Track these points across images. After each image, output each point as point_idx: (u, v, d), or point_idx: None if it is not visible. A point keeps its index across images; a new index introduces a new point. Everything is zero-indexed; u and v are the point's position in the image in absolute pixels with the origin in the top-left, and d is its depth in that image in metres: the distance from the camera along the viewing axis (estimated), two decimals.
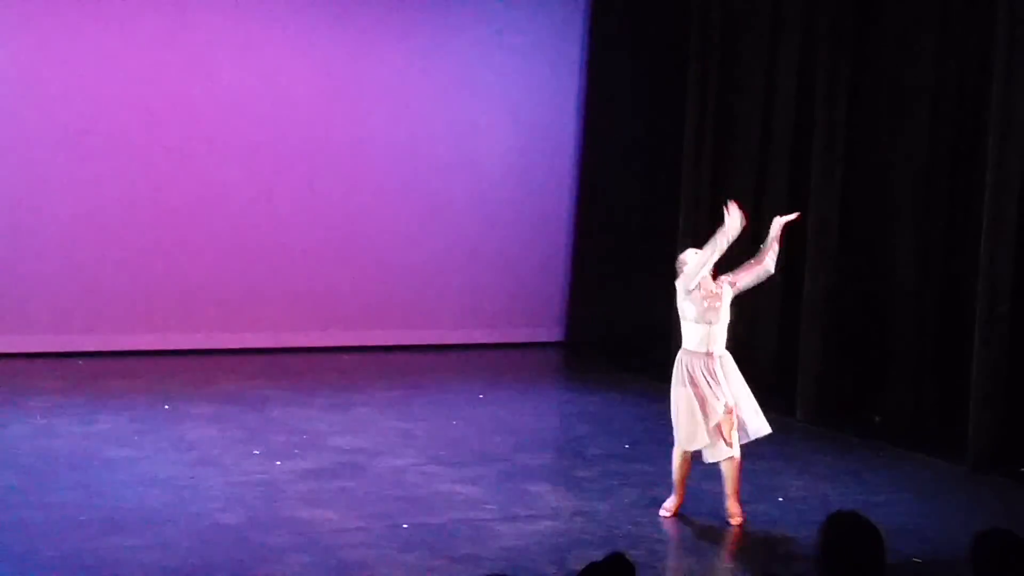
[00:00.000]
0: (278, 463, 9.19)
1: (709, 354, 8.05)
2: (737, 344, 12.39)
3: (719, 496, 8.30)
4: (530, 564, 7.34)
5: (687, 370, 8.05)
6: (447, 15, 13.91)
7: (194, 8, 12.86)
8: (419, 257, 13.92)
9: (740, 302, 12.52)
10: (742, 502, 8.20)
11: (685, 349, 8.15)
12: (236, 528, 7.73)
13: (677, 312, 8.21)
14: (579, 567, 4.43)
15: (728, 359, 8.17)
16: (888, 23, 11.38)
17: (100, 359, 12.41)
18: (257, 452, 9.46)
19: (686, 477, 8.25)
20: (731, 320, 8.19)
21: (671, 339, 12.94)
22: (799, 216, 8.76)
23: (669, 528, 8.17)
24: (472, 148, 14.08)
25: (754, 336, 12.35)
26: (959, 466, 9.94)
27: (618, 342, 13.93)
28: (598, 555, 4.58)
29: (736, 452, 8.08)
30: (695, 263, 8.02)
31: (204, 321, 13.05)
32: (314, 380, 12.11)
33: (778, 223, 8.36)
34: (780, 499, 8.89)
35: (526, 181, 14.34)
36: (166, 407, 10.68)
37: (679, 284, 8.12)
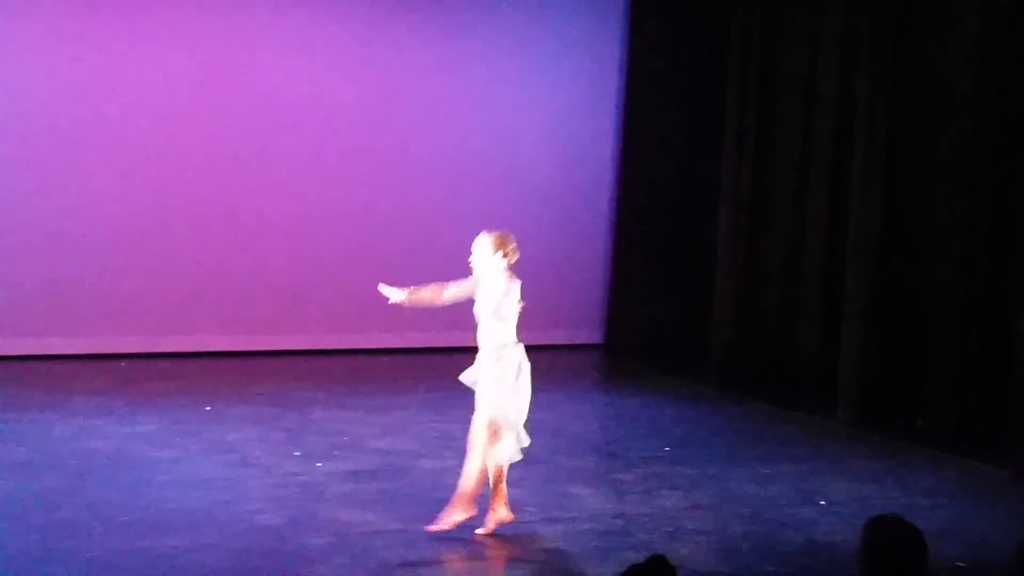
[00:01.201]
0: (318, 465, 9.21)
1: None
2: (778, 345, 12.50)
3: (741, 500, 8.24)
4: (571, 566, 7.33)
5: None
6: (484, 19, 13.91)
7: (232, 14, 12.92)
8: (458, 258, 13.88)
9: (780, 303, 12.53)
10: None
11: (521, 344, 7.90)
12: (277, 529, 7.75)
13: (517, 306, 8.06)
14: (620, 570, 4.42)
15: None
16: (930, 22, 11.30)
17: (142, 361, 12.49)
18: (298, 454, 9.49)
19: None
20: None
21: (710, 341, 13.05)
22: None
23: (709, 529, 8.13)
24: (510, 152, 14.08)
25: (795, 337, 12.31)
26: (1003, 470, 9.86)
27: (657, 344, 13.89)
28: (639, 558, 4.57)
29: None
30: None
31: (246, 323, 13.11)
32: (354, 382, 12.14)
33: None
34: (821, 502, 8.84)
35: (565, 184, 14.32)
36: (207, 409, 10.74)
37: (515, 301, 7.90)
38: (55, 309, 12.45)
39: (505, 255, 7.77)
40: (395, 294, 7.85)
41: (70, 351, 12.37)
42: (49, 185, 12.39)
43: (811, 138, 12.34)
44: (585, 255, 14.49)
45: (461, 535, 7.76)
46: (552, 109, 14.20)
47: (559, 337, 14.39)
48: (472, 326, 13.80)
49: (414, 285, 13.15)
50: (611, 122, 14.43)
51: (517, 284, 7.79)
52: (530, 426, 10.66)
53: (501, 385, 7.68)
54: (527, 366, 7.84)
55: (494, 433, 7.69)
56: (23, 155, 12.33)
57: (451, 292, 7.91)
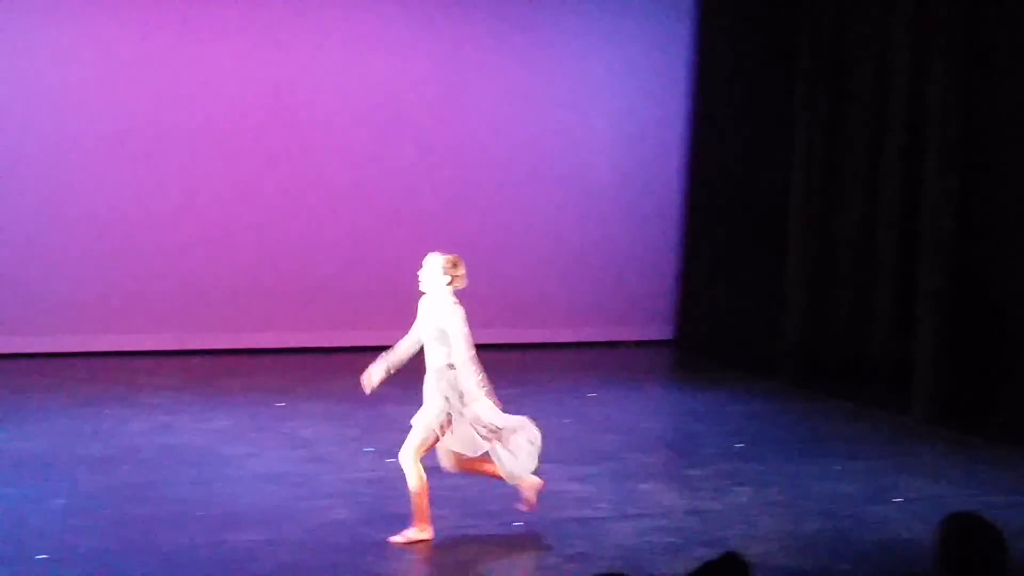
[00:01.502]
0: (390, 460, 9.24)
1: None
2: (851, 340, 12.39)
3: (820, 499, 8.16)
4: (643, 562, 7.30)
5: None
6: (556, 20, 13.91)
7: (303, 12, 13.00)
8: (529, 257, 13.95)
9: (853, 297, 12.42)
10: None
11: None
12: (350, 524, 7.79)
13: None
14: (692, 566, 4.39)
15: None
16: (1002, 27, 11.14)
17: (218, 357, 12.61)
18: (370, 449, 9.53)
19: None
20: None
21: (782, 336, 12.96)
22: None
23: (782, 526, 8.08)
24: (581, 149, 14.08)
25: (868, 332, 12.20)
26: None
27: (728, 340, 13.82)
28: (712, 554, 4.54)
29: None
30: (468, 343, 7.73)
31: (319, 320, 13.20)
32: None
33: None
34: (896, 499, 8.75)
35: (635, 181, 14.30)
36: (281, 404, 10.81)
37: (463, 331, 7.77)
38: (132, 307, 12.59)
39: (452, 280, 7.68)
40: (375, 374, 7.76)
41: (148, 347, 12.51)
42: (123, 183, 12.53)
43: (883, 132, 12.23)
44: (654, 251, 14.45)
45: (535, 532, 7.76)
46: (619, 104, 14.17)
47: (629, 334, 14.38)
48: (546, 322, 13.93)
49: (486, 281, 13.26)
50: (679, 116, 14.38)
51: (460, 311, 7.65)
52: (592, 422, 10.70)
53: (440, 405, 7.56)
54: (475, 391, 7.65)
55: (420, 447, 7.54)
56: (98, 157, 12.48)
57: (411, 341, 7.86)
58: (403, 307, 13.50)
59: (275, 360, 12.67)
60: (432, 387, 7.68)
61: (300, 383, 11.72)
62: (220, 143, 12.84)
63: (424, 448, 7.56)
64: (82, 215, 12.45)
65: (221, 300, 12.88)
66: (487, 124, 13.72)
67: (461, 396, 7.60)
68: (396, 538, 7.48)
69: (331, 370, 12.32)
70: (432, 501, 7.58)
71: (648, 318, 14.50)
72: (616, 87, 14.15)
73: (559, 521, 8.00)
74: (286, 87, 12.99)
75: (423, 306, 7.77)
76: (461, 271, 7.71)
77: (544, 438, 10.02)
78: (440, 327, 7.59)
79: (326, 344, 13.18)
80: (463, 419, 7.55)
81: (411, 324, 13.31)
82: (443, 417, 7.55)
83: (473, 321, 13.50)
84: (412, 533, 7.49)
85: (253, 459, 9.15)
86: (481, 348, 13.36)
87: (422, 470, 7.54)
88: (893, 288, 11.93)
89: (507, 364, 13.12)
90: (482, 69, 13.66)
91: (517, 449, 7.66)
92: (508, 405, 11.08)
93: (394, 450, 9.45)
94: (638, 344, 14.18)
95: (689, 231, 14.44)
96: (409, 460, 7.53)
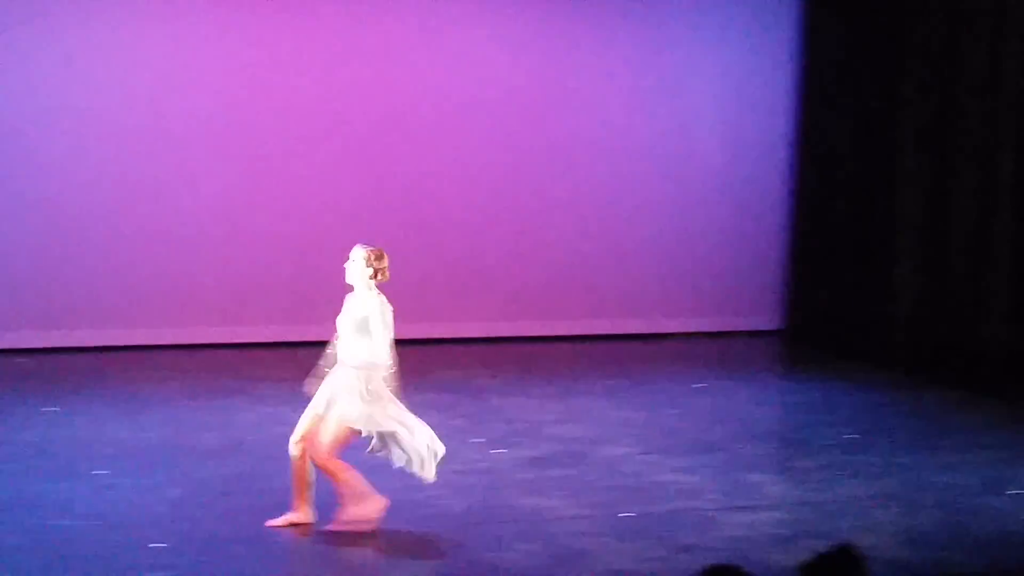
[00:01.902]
0: (498, 452, 9.27)
1: None
2: (965, 328, 12.18)
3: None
4: (754, 554, 7.25)
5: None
6: (657, 12, 13.84)
7: (402, 10, 13.07)
8: (636, 246, 13.89)
9: (966, 285, 12.20)
10: None
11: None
12: (459, 516, 7.82)
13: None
14: (804, 558, 4.35)
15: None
16: None
17: (320, 348, 12.69)
18: (478, 441, 9.55)
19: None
20: None
21: (894, 325, 12.78)
22: None
23: (897, 518, 7.97)
24: (686, 137, 13.98)
25: (983, 320, 12.00)
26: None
27: (838, 329, 13.65)
28: (823, 546, 4.50)
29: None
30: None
31: (423, 312, 13.24)
32: (533, 369, 12.18)
33: None
34: (1012, 492, 8.59)
35: (742, 170, 14.16)
36: None
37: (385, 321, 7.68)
38: (239, 300, 12.74)
39: (376, 273, 7.61)
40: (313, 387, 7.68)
41: (259, 339, 12.66)
42: (239, 180, 12.68)
43: (996, 118, 12.01)
44: (762, 241, 14.30)
45: (644, 523, 7.74)
46: (726, 92, 14.05)
47: (737, 324, 14.27)
48: (651, 314, 13.88)
49: (593, 271, 13.19)
50: (786, 104, 14.22)
51: (386, 305, 7.61)
52: (701, 413, 10.63)
53: (355, 400, 7.45)
54: (385, 392, 7.62)
55: (335, 444, 7.43)
56: (162, 154, 12.63)
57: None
58: (516, 298, 13.62)
59: None
60: (349, 382, 7.49)
61: (406, 375, 11.74)
62: (345, 139, 12.93)
63: (339, 445, 7.42)
64: (200, 207, 12.59)
65: (331, 291, 12.96)
66: (589, 118, 13.66)
67: (376, 396, 7.49)
68: (334, 527, 7.37)
69: (434, 361, 12.35)
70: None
71: (756, 308, 14.37)
72: (722, 75, 14.02)
73: (668, 512, 7.97)
74: (390, 87, 13.05)
75: (347, 300, 7.64)
76: (385, 264, 7.66)
77: (653, 428, 10.05)
78: (362, 319, 7.48)
79: (429, 336, 13.22)
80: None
81: (515, 314, 13.40)
82: (363, 416, 7.40)
83: (581, 313, 13.64)
84: (359, 511, 7.40)
85: (362, 450, 9.19)
86: (589, 339, 13.49)
87: (338, 461, 7.40)
88: (1008, 275, 11.72)
89: (615, 354, 13.11)
90: (590, 59, 13.61)
91: (412, 451, 7.53)
92: (617, 396, 11.11)
93: (501, 440, 9.52)
94: (718, 335, 14.04)
95: (797, 220, 14.27)
96: (323, 458, 7.38)
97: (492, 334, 13.46)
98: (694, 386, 11.67)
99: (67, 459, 8.63)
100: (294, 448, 7.53)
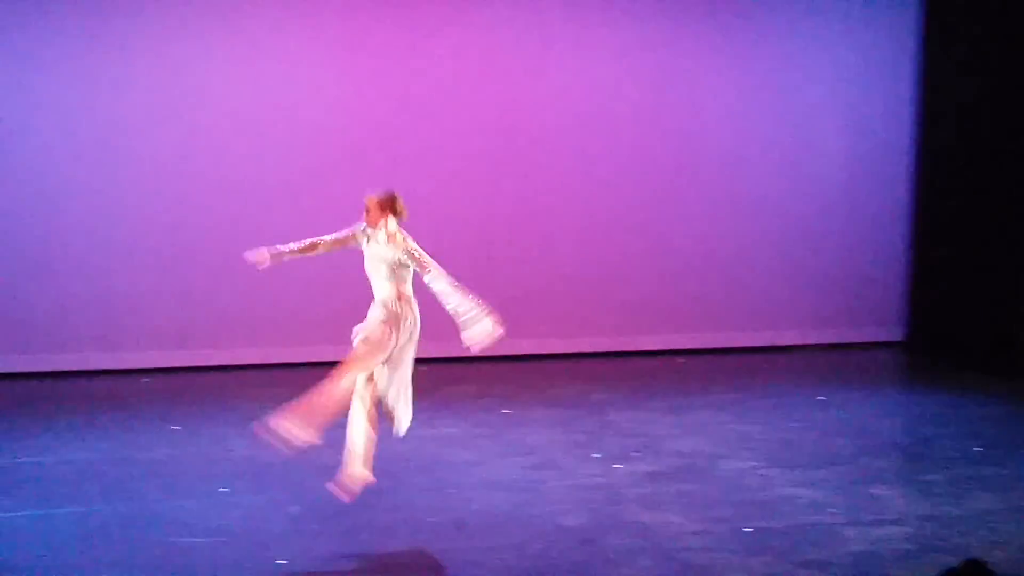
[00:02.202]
0: (617, 466, 9.22)
1: None
2: None
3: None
4: (878, 570, 7.12)
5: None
6: (776, 14, 13.71)
7: (520, 16, 13.10)
8: (754, 258, 13.78)
9: None
10: None
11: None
12: (578, 531, 7.79)
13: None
14: (931, 574, 4.25)
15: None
16: None
17: (443, 365, 12.75)
18: (596, 455, 9.51)
19: None
20: None
21: (1018, 336, 12.49)
22: None
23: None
24: (804, 147, 13.85)
25: None
26: None
27: (961, 340, 13.39)
28: (952, 561, 4.40)
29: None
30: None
31: (542, 327, 13.26)
32: (650, 383, 12.12)
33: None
34: None
35: (862, 180, 14.00)
36: (506, 412, 10.89)
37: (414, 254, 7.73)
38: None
39: (397, 212, 7.71)
40: (260, 256, 7.71)
41: None
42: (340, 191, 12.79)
43: None
44: (883, 251, 14.11)
45: (766, 538, 7.63)
46: (844, 98, 13.89)
47: (858, 336, 14.09)
48: (769, 326, 13.73)
49: (709, 284, 13.12)
50: (907, 110, 14.02)
51: (407, 237, 7.80)
52: (822, 426, 10.48)
53: (386, 322, 7.73)
54: (417, 324, 7.94)
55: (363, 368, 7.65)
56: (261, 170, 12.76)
57: (325, 245, 7.90)
58: (634, 312, 13.56)
59: (499, 367, 12.76)
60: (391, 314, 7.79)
61: (524, 389, 11.79)
62: (462, 152, 13.00)
63: (363, 370, 7.68)
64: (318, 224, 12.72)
65: (438, 309, 13.02)
66: (705, 123, 13.59)
67: (406, 322, 7.82)
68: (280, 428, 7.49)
69: (555, 376, 12.36)
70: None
71: (877, 319, 14.17)
72: (840, 81, 13.86)
73: (791, 527, 7.86)
74: (508, 97, 13.09)
75: (354, 240, 7.84)
76: (400, 204, 7.85)
77: (773, 442, 9.94)
78: (393, 262, 7.70)
79: (549, 351, 13.23)
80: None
81: (633, 329, 13.33)
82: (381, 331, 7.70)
83: (697, 326, 13.55)
84: (294, 427, 7.49)
85: (480, 466, 9.23)
86: (708, 352, 13.39)
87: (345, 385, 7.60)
88: None
89: (733, 368, 12.99)
90: (708, 67, 13.54)
91: (405, 403, 7.83)
92: (736, 410, 11.00)
93: (620, 455, 9.48)
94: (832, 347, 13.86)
95: (920, 229, 14.04)
96: (347, 378, 7.61)
97: (611, 348, 13.43)
98: (816, 399, 11.52)
99: (190, 477, 8.75)
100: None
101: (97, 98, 12.14)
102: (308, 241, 7.92)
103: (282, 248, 7.87)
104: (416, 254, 7.74)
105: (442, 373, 12.47)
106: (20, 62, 11.92)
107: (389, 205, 7.82)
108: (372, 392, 7.79)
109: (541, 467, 9.21)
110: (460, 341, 12.92)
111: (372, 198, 7.82)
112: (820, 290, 14.00)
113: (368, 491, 8.56)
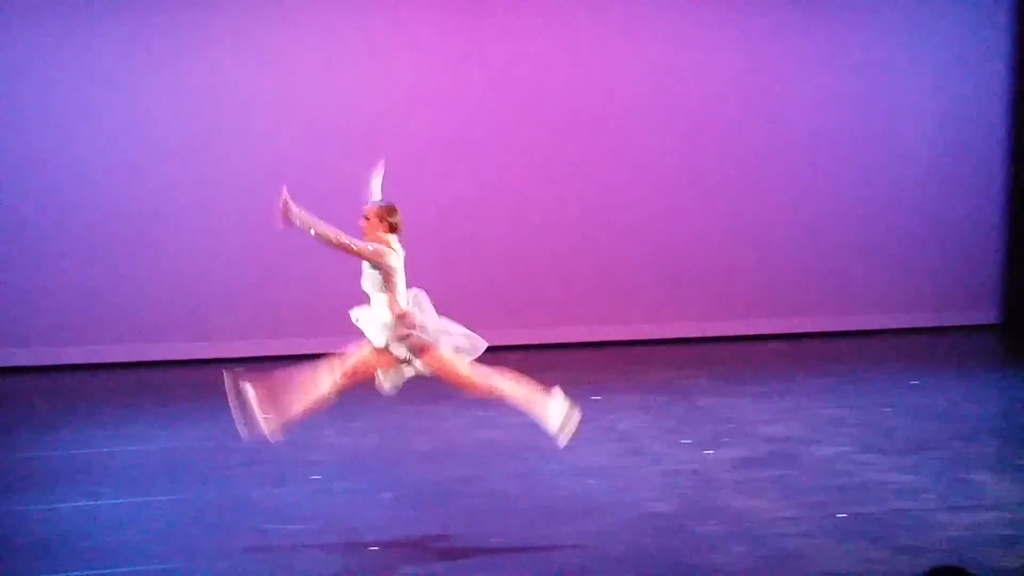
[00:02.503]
0: (708, 452, 9.18)
1: None
2: None
3: None
4: (975, 555, 7.02)
5: None
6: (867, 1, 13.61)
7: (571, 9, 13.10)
8: (845, 241, 13.66)
9: None
10: None
11: None
12: (670, 517, 7.76)
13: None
14: None
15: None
16: None
17: (532, 352, 12.78)
18: (687, 441, 9.48)
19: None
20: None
21: None
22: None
23: None
24: (895, 127, 13.71)
25: None
26: None
27: None
28: None
29: None
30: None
31: (632, 313, 13.24)
32: (741, 368, 12.06)
33: None
34: None
35: (955, 159, 13.83)
36: (596, 398, 10.87)
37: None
38: (452, 304, 12.88)
39: (389, 227, 7.50)
40: (288, 207, 7.39)
41: None
42: (472, 183, 12.86)
43: None
44: (978, 231, 13.93)
45: (860, 524, 7.56)
46: (939, 79, 13.72)
47: (952, 318, 13.92)
48: (861, 310, 13.60)
49: (797, 268, 13.01)
50: (1001, 89, 13.81)
51: (396, 252, 7.53)
52: (916, 410, 10.36)
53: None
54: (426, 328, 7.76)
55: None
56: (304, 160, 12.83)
57: (344, 242, 7.41)
58: (724, 297, 13.49)
59: (587, 354, 12.77)
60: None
61: (613, 376, 11.77)
62: (559, 139, 13.02)
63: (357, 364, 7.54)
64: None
65: (533, 296, 13.06)
66: (801, 112, 13.49)
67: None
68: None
69: (644, 362, 12.34)
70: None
71: (972, 302, 13.99)
72: (934, 60, 13.69)
73: (886, 513, 7.78)
74: (599, 86, 13.08)
75: (380, 257, 7.50)
76: (397, 217, 7.59)
77: (867, 427, 9.84)
78: (376, 275, 7.52)
79: (637, 337, 13.22)
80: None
81: (722, 314, 13.26)
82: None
83: (786, 311, 13.45)
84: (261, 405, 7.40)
85: (571, 452, 9.19)
86: (800, 337, 13.29)
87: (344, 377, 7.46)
88: None
89: (824, 352, 12.89)
90: (798, 52, 13.45)
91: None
92: (829, 394, 10.91)
93: (711, 441, 9.43)
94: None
95: (1015, 210, 13.82)
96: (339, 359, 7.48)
97: (701, 334, 13.38)
98: (909, 383, 11.39)
99: (284, 465, 8.83)
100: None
101: (184, 93, 12.30)
102: (336, 233, 7.41)
103: (308, 220, 7.39)
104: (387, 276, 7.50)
105: (531, 360, 12.48)
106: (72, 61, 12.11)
107: (388, 217, 7.54)
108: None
109: (631, 453, 9.20)
110: (550, 329, 13.03)
111: (373, 208, 7.57)
112: (913, 273, 13.85)
113: (459, 478, 8.61)
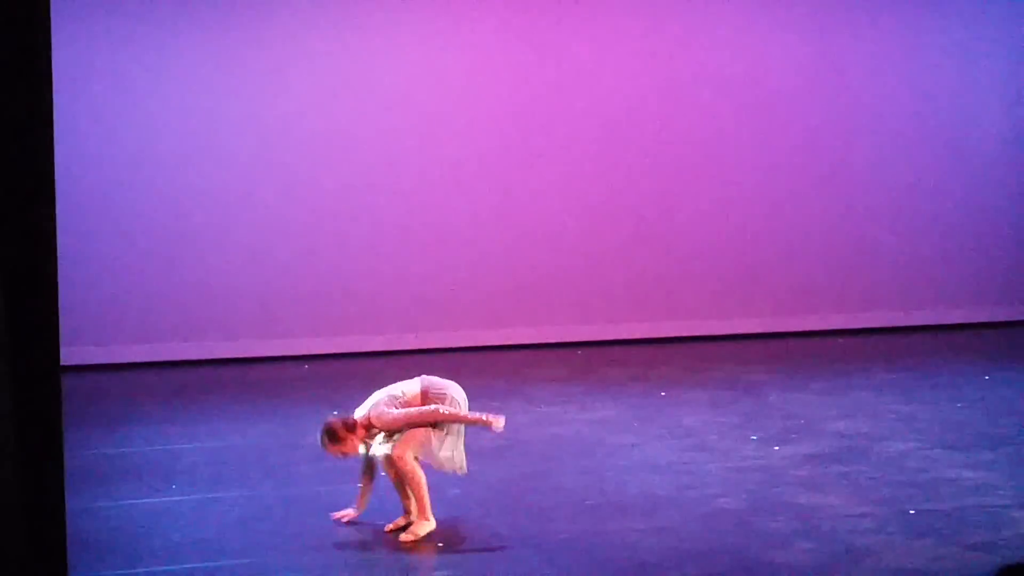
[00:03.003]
0: (776, 448, 9.13)
1: None
2: None
3: None
4: None
5: None
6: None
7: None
8: (914, 236, 13.56)
9: None
10: None
11: None
12: (737, 513, 7.73)
13: None
14: None
15: None
16: None
17: (597, 348, 12.78)
18: (754, 437, 9.43)
19: None
20: None
21: None
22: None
23: None
24: (964, 122, 13.58)
25: None
26: None
27: None
28: None
29: None
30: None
31: (695, 309, 13.20)
32: (808, 364, 11.98)
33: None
34: None
35: (1014, 152, 13.65)
36: (662, 394, 10.85)
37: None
38: (514, 301, 12.91)
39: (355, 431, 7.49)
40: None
41: (530, 340, 12.81)
42: (426, 183, 12.87)
43: None
44: None
45: (932, 520, 7.49)
46: (1007, 71, 13.56)
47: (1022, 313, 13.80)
48: (930, 305, 13.47)
49: (861, 263, 12.90)
50: None
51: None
52: (987, 406, 10.25)
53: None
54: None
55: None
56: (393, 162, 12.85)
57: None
58: (793, 292, 13.40)
59: (653, 350, 12.74)
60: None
61: (680, 371, 11.74)
62: (607, 135, 13.01)
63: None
64: (468, 207, 12.83)
65: (598, 293, 13.06)
66: (866, 101, 13.39)
67: None
68: (406, 536, 7.37)
69: (710, 358, 12.29)
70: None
71: None
72: (1003, 53, 13.54)
73: (957, 509, 7.70)
74: (650, 80, 13.05)
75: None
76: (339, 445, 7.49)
77: (938, 423, 9.74)
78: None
79: (704, 332, 13.17)
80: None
81: (790, 309, 13.17)
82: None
83: (855, 306, 13.34)
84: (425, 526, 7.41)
85: (638, 448, 9.21)
86: (868, 332, 13.19)
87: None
88: None
89: (894, 347, 12.77)
90: (865, 40, 13.35)
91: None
92: (898, 391, 10.81)
93: (779, 436, 9.38)
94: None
95: None
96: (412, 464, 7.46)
97: (769, 329, 13.31)
98: (981, 378, 11.27)
99: (351, 462, 8.85)
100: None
101: (251, 99, 12.41)
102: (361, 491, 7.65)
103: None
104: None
105: (597, 355, 12.50)
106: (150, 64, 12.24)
107: (351, 428, 7.45)
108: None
109: (698, 449, 9.17)
110: (615, 325, 13.02)
111: (335, 432, 7.44)
112: (984, 267, 13.70)
113: (528, 474, 8.62)
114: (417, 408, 7.48)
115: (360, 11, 12.57)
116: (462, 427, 7.58)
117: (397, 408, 7.46)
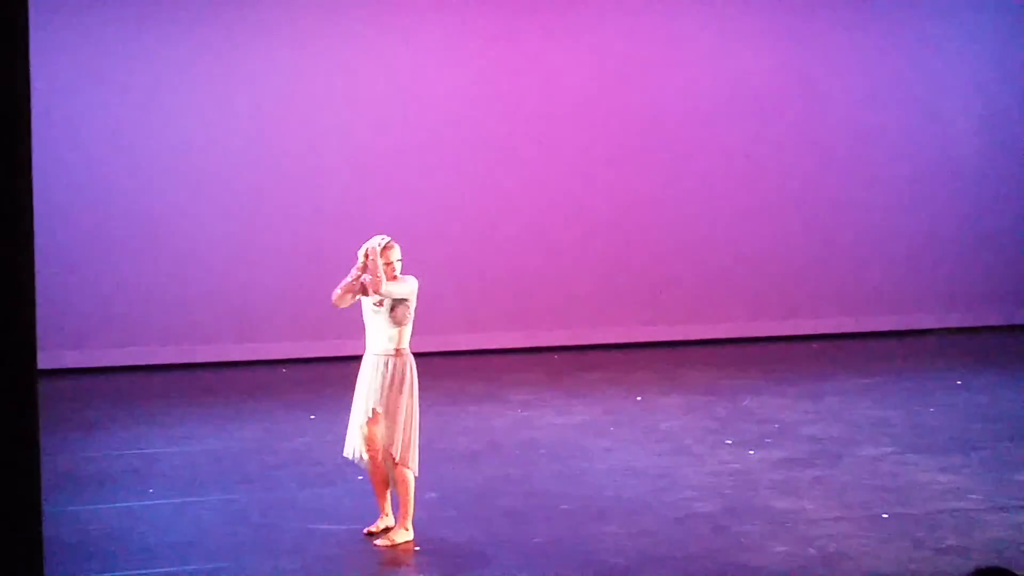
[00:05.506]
0: (751, 452, 9.19)
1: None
2: None
3: None
4: (1021, 557, 7.00)
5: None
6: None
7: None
8: (891, 242, 13.61)
9: None
10: None
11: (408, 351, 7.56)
12: (712, 517, 7.78)
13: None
14: None
15: None
16: None
17: (573, 353, 12.81)
18: (729, 442, 9.49)
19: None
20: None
21: None
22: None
23: None
24: (944, 131, 13.66)
25: None
26: None
27: None
28: None
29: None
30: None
31: (670, 314, 13.24)
32: (784, 369, 12.03)
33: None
34: None
35: (998, 162, 13.75)
36: (639, 398, 10.89)
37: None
38: (487, 306, 12.93)
39: (390, 266, 7.63)
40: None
41: (505, 345, 12.83)
42: (450, 189, 12.89)
43: None
44: (1020, 233, 13.85)
45: (905, 524, 7.55)
46: (985, 83, 13.67)
47: (996, 318, 13.93)
48: (909, 310, 13.54)
49: (843, 268, 12.93)
50: None
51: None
52: (960, 411, 10.32)
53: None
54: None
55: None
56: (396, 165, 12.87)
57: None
58: (765, 298, 13.45)
59: (628, 355, 12.77)
60: (394, 374, 7.57)
61: (656, 376, 11.78)
62: (596, 145, 13.05)
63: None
64: (467, 213, 12.86)
65: (573, 298, 13.08)
66: (845, 110, 13.46)
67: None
68: (382, 542, 7.35)
69: (686, 363, 12.33)
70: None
71: (1016, 301, 13.90)
72: (985, 58, 13.65)
73: (930, 513, 7.77)
74: (644, 90, 13.10)
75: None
76: (392, 256, 7.70)
77: (911, 427, 9.81)
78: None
79: (677, 338, 13.21)
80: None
81: (763, 314, 13.23)
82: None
83: (829, 311, 13.39)
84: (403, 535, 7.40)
85: (614, 453, 9.26)
86: (841, 337, 13.24)
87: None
88: None
89: (868, 353, 12.84)
90: (856, 49, 13.43)
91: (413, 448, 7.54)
92: (872, 395, 10.87)
93: (754, 441, 9.43)
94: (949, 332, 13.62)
95: None
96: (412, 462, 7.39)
97: (744, 334, 13.36)
98: (954, 383, 11.34)
99: (328, 465, 8.89)
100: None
101: (253, 98, 12.41)
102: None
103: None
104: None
105: (573, 360, 12.53)
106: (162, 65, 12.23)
107: (390, 256, 7.64)
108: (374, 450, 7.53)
109: (674, 453, 9.22)
110: (592, 330, 13.06)
111: (390, 243, 7.65)
112: (956, 272, 13.78)
113: (504, 477, 8.65)
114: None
115: (350, 16, 12.58)
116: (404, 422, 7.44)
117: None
